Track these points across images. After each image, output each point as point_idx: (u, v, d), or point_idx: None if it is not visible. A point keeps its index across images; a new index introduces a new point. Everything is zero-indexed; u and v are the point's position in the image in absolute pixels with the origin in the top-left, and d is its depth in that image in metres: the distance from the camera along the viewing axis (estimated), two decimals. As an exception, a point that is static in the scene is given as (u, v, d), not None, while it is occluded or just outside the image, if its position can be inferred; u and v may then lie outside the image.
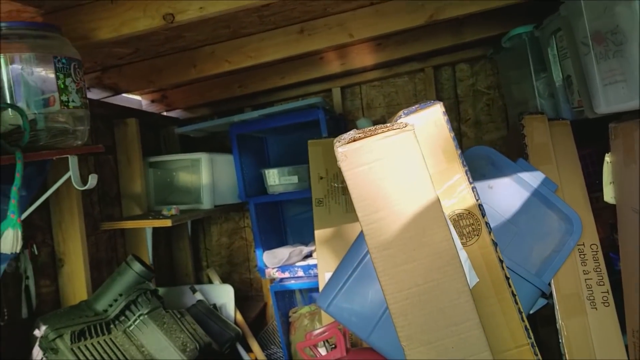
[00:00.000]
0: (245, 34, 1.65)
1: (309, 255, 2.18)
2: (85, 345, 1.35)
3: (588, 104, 1.46)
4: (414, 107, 1.05)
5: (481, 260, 1.06)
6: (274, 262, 2.06)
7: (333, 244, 1.86)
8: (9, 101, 1.15)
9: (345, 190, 1.91)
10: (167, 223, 1.80)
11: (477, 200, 1.08)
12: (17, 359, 1.40)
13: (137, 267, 1.56)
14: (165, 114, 2.35)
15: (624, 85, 1.29)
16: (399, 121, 0.87)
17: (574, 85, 1.60)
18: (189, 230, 2.40)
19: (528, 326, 1.00)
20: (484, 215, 1.06)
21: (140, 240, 1.98)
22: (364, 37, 1.66)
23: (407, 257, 0.85)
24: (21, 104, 1.16)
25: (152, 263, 1.97)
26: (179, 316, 1.58)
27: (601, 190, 1.57)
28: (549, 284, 1.43)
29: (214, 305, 1.95)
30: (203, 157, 2.07)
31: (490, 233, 1.06)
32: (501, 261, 1.03)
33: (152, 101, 2.24)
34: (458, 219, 1.08)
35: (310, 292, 2.29)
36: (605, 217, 1.65)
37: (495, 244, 1.07)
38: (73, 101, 1.26)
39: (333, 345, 1.64)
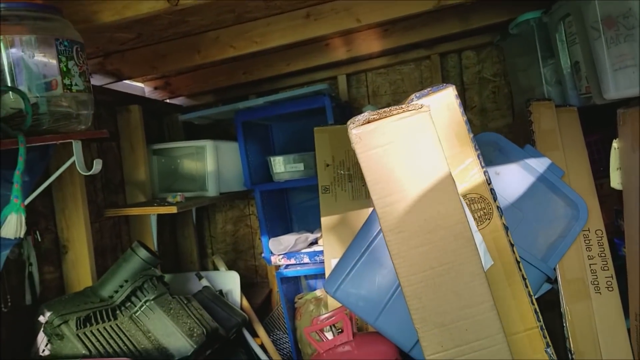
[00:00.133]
0: (250, 18, 1.63)
1: (314, 242, 2.18)
2: (91, 331, 1.35)
3: (596, 90, 1.45)
4: (425, 91, 1.04)
5: (492, 244, 1.05)
6: (280, 249, 2.06)
7: (339, 230, 1.86)
8: (9, 84, 1.13)
9: (351, 177, 1.91)
10: (173, 210, 1.80)
11: (488, 184, 1.07)
12: (21, 345, 1.40)
13: (143, 253, 1.55)
14: (168, 101, 2.34)
15: (634, 70, 1.28)
16: (413, 103, 0.86)
17: (582, 72, 1.59)
18: (194, 218, 2.39)
19: (537, 309, 1.00)
20: (495, 199, 1.05)
21: (144, 228, 1.98)
22: (371, 22, 1.64)
23: (421, 239, 0.84)
24: (22, 88, 1.14)
25: (156, 250, 1.97)
26: (185, 302, 1.57)
27: (606, 177, 1.58)
28: (554, 269, 1.44)
29: (220, 292, 1.95)
30: (208, 145, 2.05)
31: (501, 217, 1.06)
32: (512, 245, 1.03)
33: (155, 88, 2.23)
34: (470, 203, 1.08)
35: (315, 279, 2.29)
36: (610, 204, 1.65)
37: (506, 228, 1.07)
38: (76, 85, 1.25)
39: (340, 330, 1.65)
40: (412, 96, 1.03)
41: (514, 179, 1.48)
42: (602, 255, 1.48)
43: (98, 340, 1.34)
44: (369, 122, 0.83)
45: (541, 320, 0.98)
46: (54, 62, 1.18)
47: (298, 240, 2.09)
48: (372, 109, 2.28)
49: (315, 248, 2.11)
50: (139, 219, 1.97)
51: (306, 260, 2.06)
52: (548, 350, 0.96)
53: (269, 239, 2.12)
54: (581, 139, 1.62)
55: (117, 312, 1.45)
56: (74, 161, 1.42)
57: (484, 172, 1.07)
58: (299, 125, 2.36)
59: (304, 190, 2.39)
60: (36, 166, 1.38)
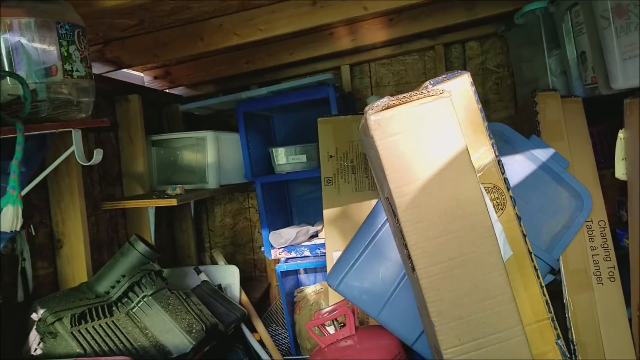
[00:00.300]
0: (255, 5, 1.59)
1: (314, 235, 2.16)
2: (86, 329, 1.30)
3: (603, 79, 1.44)
4: (440, 78, 1.01)
5: (505, 235, 1.03)
6: (280, 242, 2.03)
7: (341, 223, 1.84)
8: (7, 69, 1.08)
9: (354, 169, 1.88)
10: (173, 202, 1.76)
11: (502, 173, 1.05)
12: (12, 344, 1.34)
13: (141, 247, 1.51)
14: (168, 91, 2.29)
15: (644, 60, 1.27)
16: (432, 88, 0.83)
17: (588, 62, 1.58)
18: (192, 211, 2.35)
19: (549, 300, 0.99)
20: (509, 189, 1.03)
21: (142, 221, 1.94)
22: (379, 10, 1.61)
23: (441, 229, 0.82)
24: (21, 73, 1.09)
25: (154, 244, 1.93)
26: (184, 297, 1.54)
27: (607, 168, 1.57)
28: (558, 260, 1.43)
29: (219, 286, 1.92)
30: (209, 136, 2.01)
31: (514, 207, 1.03)
32: (524, 235, 1.01)
33: (155, 77, 2.18)
34: (483, 193, 1.05)
35: (315, 272, 2.27)
36: (610, 194, 1.65)
37: (519, 218, 1.04)
38: (77, 70, 1.21)
39: (341, 324, 1.63)
40: (427, 83, 1.01)
41: (520, 169, 1.46)
42: (605, 246, 1.48)
43: (93, 338, 1.29)
44: (388, 108, 0.80)
45: (552, 311, 0.96)
46: (55, 46, 1.14)
47: (299, 234, 2.06)
48: (377, 100, 2.26)
49: (316, 241, 2.09)
50: (136, 212, 1.93)
51: (307, 253, 2.03)
52: (559, 342, 0.94)
53: (269, 232, 2.09)
54: (586, 130, 1.62)
55: (114, 308, 1.40)
56: (73, 152, 1.38)
57: (498, 162, 1.05)
58: (301, 116, 2.33)
59: (304, 183, 2.36)
60: (34, 156, 1.34)
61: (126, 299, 1.44)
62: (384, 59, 2.34)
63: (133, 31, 1.63)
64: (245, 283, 2.02)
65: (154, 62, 1.86)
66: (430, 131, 0.81)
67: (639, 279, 1.35)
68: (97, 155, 1.35)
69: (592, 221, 1.47)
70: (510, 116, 2.30)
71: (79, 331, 1.28)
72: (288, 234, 2.04)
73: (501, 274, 0.83)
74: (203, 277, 1.93)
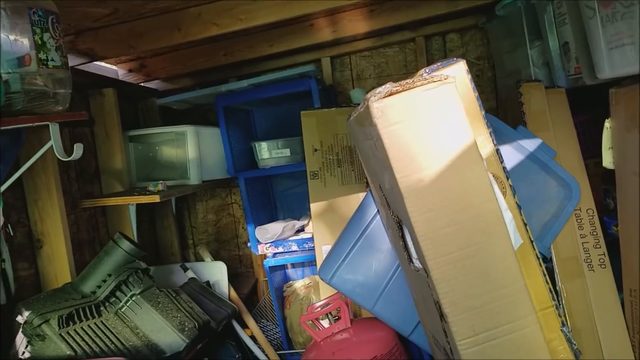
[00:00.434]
0: (235, -7, 1.54)
1: (300, 230, 2.13)
2: (75, 330, 1.28)
3: (588, 70, 1.45)
4: (435, 65, 0.99)
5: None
6: (267, 237, 2.00)
7: (329, 217, 1.82)
8: (-25, 59, 1.01)
9: (340, 162, 1.86)
10: (155, 199, 1.70)
11: (501, 162, 1.05)
12: (-2, 346, 1.29)
13: (126, 245, 1.48)
14: (143, 84, 2.20)
15: (632, 48, 1.28)
16: (431, 74, 0.81)
17: (572, 52, 1.59)
18: (174, 208, 2.29)
19: (552, 288, 0.99)
20: (508, 177, 1.03)
21: (123, 219, 1.87)
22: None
23: (449, 219, 0.80)
24: (-10, 63, 1.03)
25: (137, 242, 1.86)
26: (173, 295, 1.50)
27: (590, 157, 1.60)
28: (549, 249, 1.45)
29: (207, 283, 1.87)
30: (189, 130, 1.95)
31: (514, 196, 1.04)
32: (525, 224, 1.01)
33: (130, 70, 2.09)
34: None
35: (302, 267, 2.24)
36: (595, 183, 1.68)
37: (519, 207, 1.05)
38: (52, 60, 1.14)
39: (336, 317, 1.62)
40: (422, 71, 0.99)
41: (507, 160, 1.46)
42: (594, 233, 1.50)
43: (83, 339, 1.27)
44: (391, 95, 0.78)
45: (556, 299, 0.97)
46: (27, 34, 1.07)
47: (285, 228, 2.03)
48: (361, 93, 2.24)
49: (303, 235, 2.06)
50: (117, 210, 1.87)
51: (295, 247, 2.01)
52: (564, 329, 0.95)
53: (255, 227, 2.05)
54: (570, 120, 1.64)
55: (102, 308, 1.37)
56: (50, 147, 1.31)
57: (496, 150, 1.04)
58: (282, 110, 2.29)
59: (288, 177, 2.33)
60: (8, 152, 1.27)
61: (114, 299, 1.40)
62: (365, 51, 2.33)
63: (107, 21, 1.56)
64: (231, 279, 1.98)
65: (129, 53, 1.78)
66: (435, 118, 0.79)
67: (632, 265, 1.37)
68: (77, 150, 1.29)
69: (580, 209, 1.50)
70: (492, 109, 2.32)
71: (68, 332, 1.25)
72: (274, 229, 2.00)
73: (513, 263, 0.82)
74: (190, 274, 1.88)
